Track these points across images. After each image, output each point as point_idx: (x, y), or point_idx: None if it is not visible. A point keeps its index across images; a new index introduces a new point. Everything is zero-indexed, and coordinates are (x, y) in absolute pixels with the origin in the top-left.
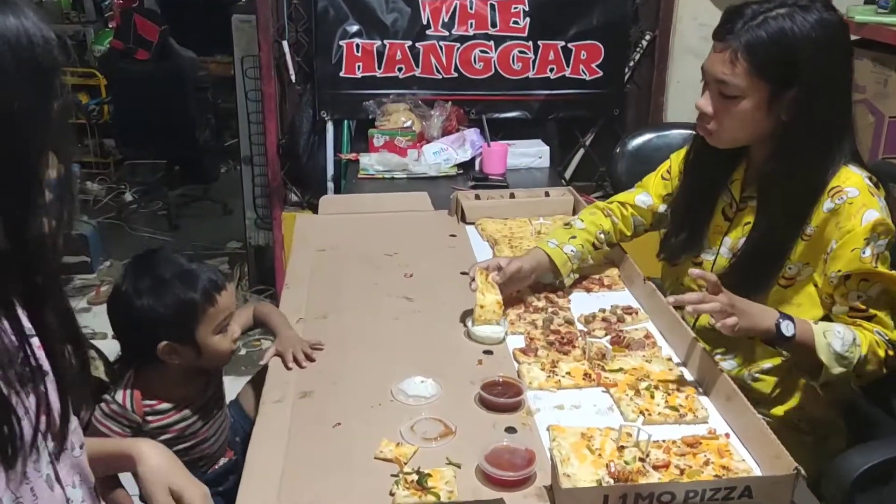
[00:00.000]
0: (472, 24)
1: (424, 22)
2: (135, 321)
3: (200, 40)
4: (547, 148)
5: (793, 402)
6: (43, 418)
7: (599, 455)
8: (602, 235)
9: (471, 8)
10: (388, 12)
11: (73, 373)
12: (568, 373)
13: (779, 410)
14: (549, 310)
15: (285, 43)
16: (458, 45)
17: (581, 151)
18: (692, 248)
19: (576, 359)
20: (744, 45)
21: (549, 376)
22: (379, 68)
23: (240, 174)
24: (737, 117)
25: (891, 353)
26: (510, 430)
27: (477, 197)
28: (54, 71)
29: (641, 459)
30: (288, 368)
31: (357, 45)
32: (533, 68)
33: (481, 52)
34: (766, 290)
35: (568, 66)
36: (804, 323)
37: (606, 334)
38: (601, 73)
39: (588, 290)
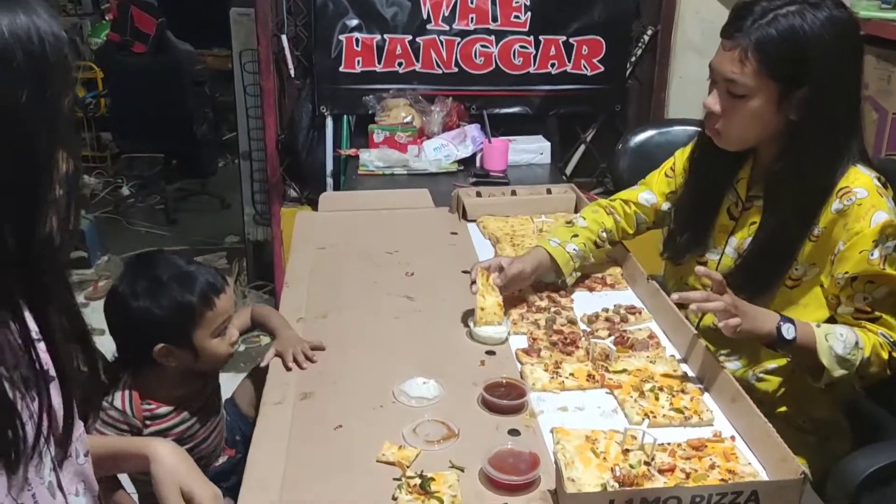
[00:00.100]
0: (472, 18)
1: (425, 16)
2: (131, 323)
3: (198, 33)
4: (548, 144)
5: (797, 403)
6: (46, 423)
7: (604, 458)
8: (604, 234)
9: (471, 2)
10: (387, 6)
11: (81, 377)
12: (571, 374)
13: (783, 411)
14: (552, 309)
15: (284, 37)
16: (459, 39)
17: (582, 147)
18: (697, 247)
19: (579, 359)
20: (754, 43)
21: (552, 377)
22: (379, 63)
23: (238, 169)
24: (745, 116)
25: (895, 354)
26: (514, 432)
27: (478, 194)
28: (64, 68)
29: (647, 463)
30: (288, 369)
31: (357, 40)
32: (534, 63)
33: (482, 46)
34: (772, 290)
35: (569, 62)
36: (806, 325)
37: (610, 334)
38: (602, 69)
39: (591, 290)
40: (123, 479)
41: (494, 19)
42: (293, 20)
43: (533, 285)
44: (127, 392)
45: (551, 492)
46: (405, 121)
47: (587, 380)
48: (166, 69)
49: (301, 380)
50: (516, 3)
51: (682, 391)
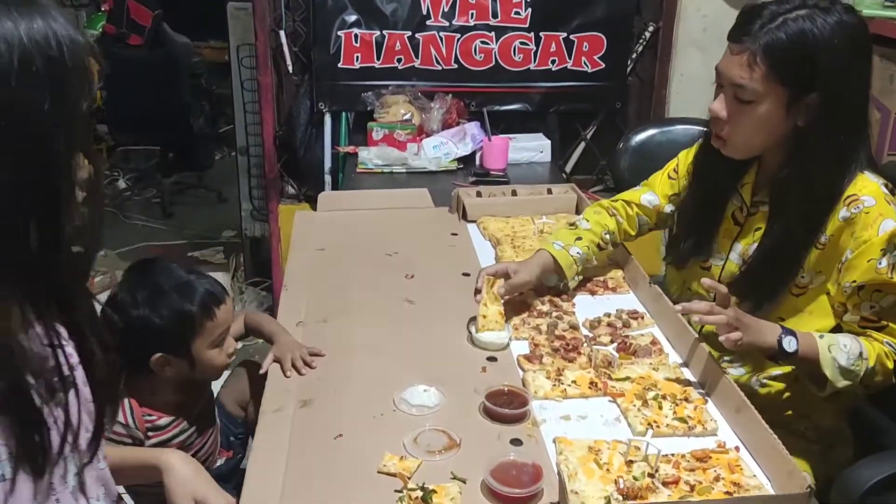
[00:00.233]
0: (472, 14)
1: (424, 12)
2: (130, 331)
3: (194, 25)
4: (548, 142)
5: (800, 410)
6: (73, 429)
7: (608, 470)
8: (607, 236)
9: None
10: (387, 2)
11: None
12: (574, 381)
13: (786, 418)
14: (554, 314)
15: (282, 33)
16: (459, 35)
17: (582, 145)
18: (701, 252)
19: (581, 366)
20: (763, 47)
21: (554, 385)
22: (378, 59)
23: (235, 165)
24: (752, 122)
25: None
26: (516, 441)
27: (478, 194)
28: (83, 72)
29: (650, 475)
30: (286, 376)
31: (356, 36)
32: (534, 60)
33: (482, 43)
34: (777, 298)
35: (570, 58)
36: (808, 337)
37: (612, 340)
38: (603, 66)
39: (592, 293)
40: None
41: (494, 15)
42: (291, 15)
43: (534, 289)
44: (126, 402)
45: None
46: (404, 118)
47: (590, 388)
48: (163, 62)
49: (301, 387)
50: None
51: (686, 399)
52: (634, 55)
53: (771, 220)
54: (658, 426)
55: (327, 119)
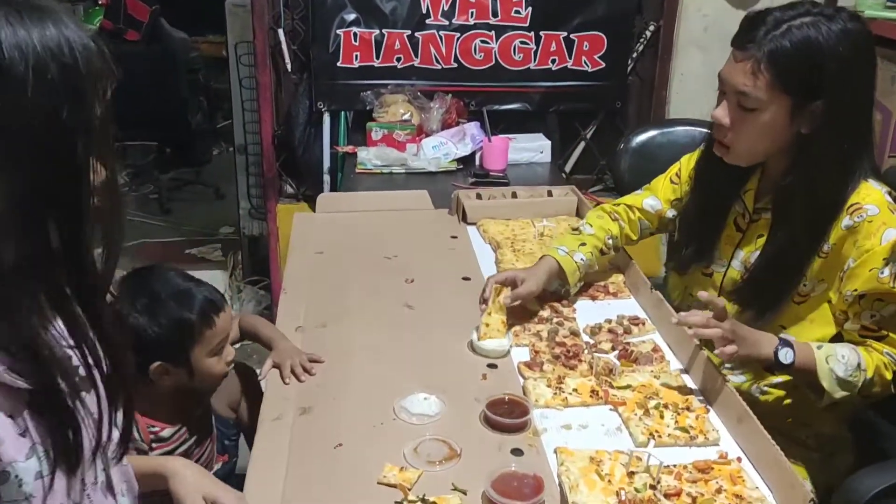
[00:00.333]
0: (472, 13)
1: (424, 11)
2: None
3: (192, 20)
4: (548, 142)
5: (801, 418)
6: (106, 427)
7: (609, 481)
8: (610, 241)
9: None
10: (386, 1)
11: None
12: (575, 389)
13: (787, 426)
14: (554, 320)
15: (281, 31)
16: (459, 34)
17: (582, 144)
18: (702, 259)
19: (582, 374)
20: (767, 55)
21: (555, 393)
22: (377, 58)
23: (233, 163)
24: (755, 129)
25: None
26: (517, 451)
27: (478, 196)
28: (96, 78)
29: (652, 486)
30: (285, 383)
31: (355, 34)
32: (534, 59)
33: (482, 42)
34: (780, 306)
35: (570, 58)
36: (806, 348)
37: (613, 347)
38: (603, 65)
39: (593, 298)
40: None
41: (495, 14)
42: (290, 13)
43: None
44: None
45: None
46: (403, 118)
47: (591, 396)
48: (160, 57)
49: (300, 394)
50: None
51: (688, 408)
52: (635, 55)
53: (774, 227)
54: (660, 436)
55: (326, 118)
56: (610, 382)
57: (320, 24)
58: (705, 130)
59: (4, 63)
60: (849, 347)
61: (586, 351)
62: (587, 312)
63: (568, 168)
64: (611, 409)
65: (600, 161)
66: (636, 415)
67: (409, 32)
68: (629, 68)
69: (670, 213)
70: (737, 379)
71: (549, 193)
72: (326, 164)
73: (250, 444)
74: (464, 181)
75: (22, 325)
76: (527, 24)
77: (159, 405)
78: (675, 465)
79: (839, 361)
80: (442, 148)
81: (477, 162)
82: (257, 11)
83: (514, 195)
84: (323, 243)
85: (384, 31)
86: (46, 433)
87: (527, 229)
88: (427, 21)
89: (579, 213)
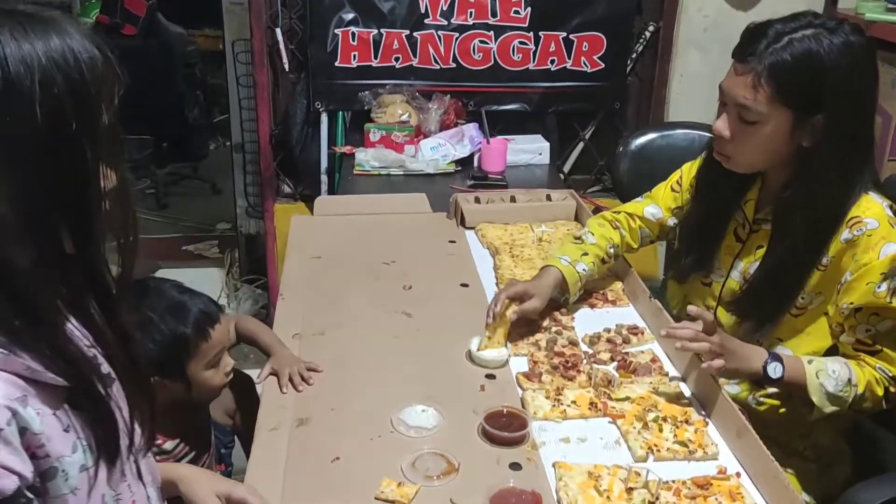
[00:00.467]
0: (471, 13)
1: (423, 10)
2: None
3: (188, 14)
4: (547, 144)
5: (799, 430)
6: (139, 420)
7: (608, 497)
8: (612, 249)
9: None
10: (385, 0)
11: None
12: (573, 401)
13: (785, 437)
14: (553, 329)
15: (279, 30)
16: (457, 34)
17: (581, 145)
18: (702, 268)
19: (581, 385)
20: (767, 68)
21: (553, 405)
22: (375, 58)
23: (231, 160)
24: (756, 142)
25: (892, 389)
26: (515, 466)
27: (477, 200)
28: (103, 86)
29: (651, 503)
30: (283, 392)
31: (353, 34)
32: (533, 60)
33: (481, 42)
34: (778, 319)
35: (569, 58)
36: (796, 362)
37: (612, 357)
38: (602, 66)
39: (592, 306)
40: None
41: (494, 14)
42: (288, 12)
43: None
44: None
45: None
46: (402, 118)
47: (589, 408)
48: (157, 52)
49: (297, 404)
50: None
51: (686, 422)
52: (634, 55)
53: (773, 240)
54: (658, 450)
55: (324, 118)
56: (609, 394)
57: (318, 23)
58: (705, 134)
59: (10, 78)
60: (840, 362)
61: (585, 361)
62: (586, 321)
63: (566, 168)
64: (609, 422)
65: (599, 162)
66: (635, 428)
67: (407, 32)
68: (628, 69)
69: (671, 222)
70: (733, 389)
71: (548, 197)
72: (324, 164)
73: (247, 451)
74: (462, 183)
75: (48, 326)
76: (526, 25)
77: (158, 418)
78: (673, 481)
79: (829, 376)
80: (440, 149)
81: (475, 164)
82: (255, 10)
83: (512, 199)
84: (320, 248)
85: (382, 30)
86: (87, 427)
87: (525, 234)
88: (426, 21)
89: (578, 218)
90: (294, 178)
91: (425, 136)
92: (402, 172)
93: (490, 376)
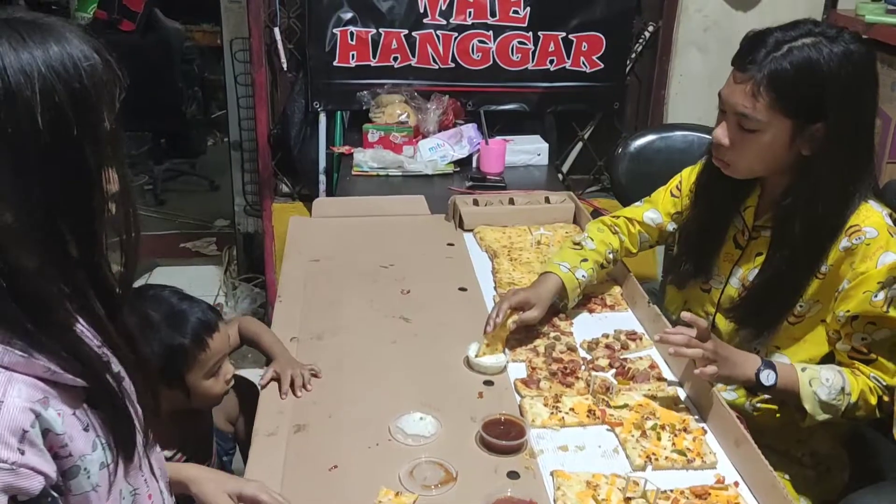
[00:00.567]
0: (470, 13)
1: (421, 10)
2: None
3: (186, 9)
4: (545, 145)
5: (797, 436)
6: (148, 415)
7: None
8: (611, 255)
9: None
10: None
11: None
12: (572, 409)
13: (783, 444)
14: (552, 335)
15: (277, 30)
16: (456, 34)
17: (579, 145)
18: (701, 274)
19: (579, 392)
20: (767, 77)
21: (552, 413)
22: (374, 57)
23: (228, 158)
24: (755, 150)
25: (885, 398)
26: (513, 474)
27: (475, 202)
28: (104, 91)
29: None
30: (282, 397)
31: (351, 33)
32: (532, 60)
33: (480, 42)
34: (776, 326)
35: (568, 58)
36: (789, 369)
37: (610, 364)
38: (602, 66)
39: (590, 311)
40: None
41: (493, 14)
42: (286, 12)
43: None
44: None
45: None
46: (400, 118)
47: (587, 415)
48: (155, 47)
49: (295, 410)
50: None
51: (685, 430)
52: (633, 55)
53: (773, 247)
54: (657, 459)
55: (322, 118)
56: (607, 401)
57: (316, 22)
58: (704, 136)
59: (11, 88)
60: (834, 370)
61: (583, 367)
62: (584, 326)
63: (565, 168)
64: (608, 430)
65: (598, 162)
66: (633, 436)
67: (406, 32)
68: (628, 69)
69: (670, 227)
70: (729, 395)
71: (547, 200)
72: (322, 164)
73: (245, 458)
74: (460, 184)
75: (61, 329)
76: (525, 25)
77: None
78: (671, 491)
79: (823, 385)
80: (439, 150)
81: (474, 164)
82: (253, 9)
83: (511, 201)
84: (318, 250)
85: (381, 30)
86: (105, 425)
87: (524, 237)
88: (424, 20)
89: (576, 221)
90: (292, 177)
91: (424, 137)
92: (400, 173)
93: (488, 383)
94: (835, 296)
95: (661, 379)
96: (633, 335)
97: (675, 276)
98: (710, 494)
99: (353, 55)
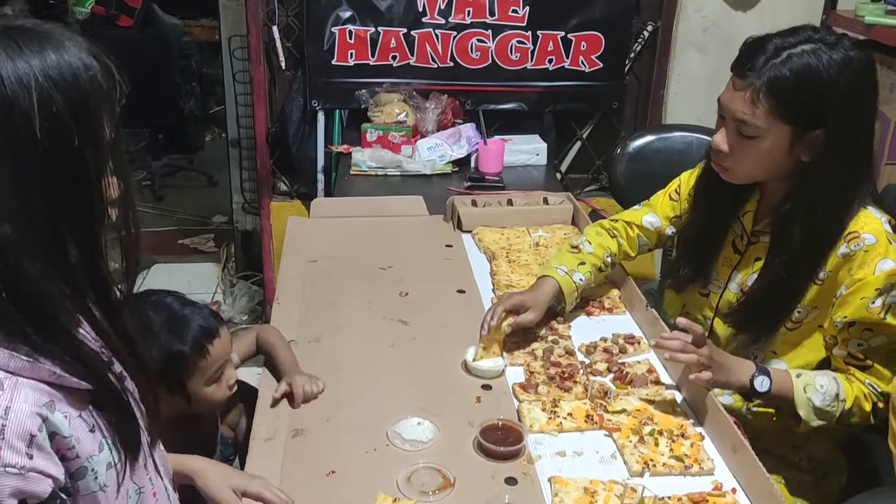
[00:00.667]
0: (469, 12)
1: (420, 9)
2: None
3: (184, 4)
4: (544, 145)
5: (794, 441)
6: (151, 415)
7: None
8: (609, 258)
9: None
10: None
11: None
12: (570, 413)
13: (780, 449)
14: (549, 338)
15: (275, 28)
16: (455, 33)
17: (578, 144)
18: (700, 279)
19: (577, 397)
20: (766, 83)
21: (550, 418)
22: (372, 56)
23: (227, 155)
24: (754, 156)
25: (880, 405)
26: (510, 480)
27: (474, 203)
28: (103, 97)
29: None
30: (294, 407)
31: (350, 32)
32: (531, 59)
33: (478, 41)
34: (773, 332)
35: (567, 58)
36: (784, 376)
37: (608, 368)
38: (601, 65)
39: (589, 314)
40: None
41: (492, 13)
42: (284, 10)
43: None
44: None
45: None
46: (399, 117)
47: (585, 421)
48: (153, 43)
49: (293, 414)
50: None
51: (682, 435)
52: (633, 55)
53: (771, 253)
54: (654, 465)
55: (320, 117)
56: (605, 406)
57: (315, 21)
58: (702, 137)
59: (7, 98)
60: (829, 377)
61: (581, 371)
62: (582, 329)
63: (563, 168)
64: (605, 435)
65: (596, 161)
66: (631, 442)
67: (404, 31)
68: (627, 69)
69: (669, 231)
70: (726, 399)
71: (545, 201)
72: (320, 162)
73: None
74: (459, 184)
75: (63, 333)
76: (524, 24)
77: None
78: (669, 497)
79: (817, 391)
80: (437, 150)
81: (472, 164)
82: (251, 7)
83: (509, 202)
84: (316, 251)
85: (380, 28)
86: (110, 425)
87: (522, 238)
88: (423, 19)
89: (575, 222)
90: (290, 176)
91: (422, 136)
92: (398, 173)
93: (486, 387)
94: (832, 302)
95: (658, 383)
96: (631, 339)
97: (674, 281)
98: (707, 501)
99: (351, 54)
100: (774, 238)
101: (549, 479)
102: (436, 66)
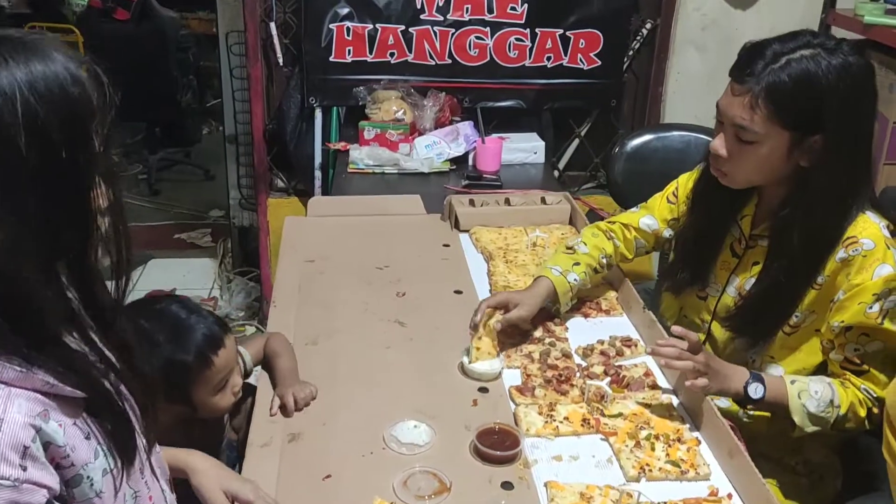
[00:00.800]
0: (467, 9)
1: (418, 6)
2: None
3: None
4: (542, 143)
5: (791, 445)
6: (147, 419)
7: None
8: (604, 260)
9: None
10: None
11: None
12: (566, 417)
13: (776, 453)
14: (546, 340)
15: (272, 25)
16: (453, 30)
17: (576, 142)
18: (697, 282)
19: (574, 400)
20: (765, 89)
21: (546, 421)
22: (370, 53)
23: (224, 151)
24: (753, 161)
25: (875, 410)
26: (507, 485)
27: (471, 203)
28: (90, 108)
29: None
30: (286, 415)
31: (348, 29)
32: (529, 56)
33: (477, 38)
34: (771, 336)
35: (565, 55)
36: (778, 382)
37: (605, 371)
38: (599, 63)
39: (586, 316)
40: None
41: (490, 11)
42: (282, 6)
43: None
44: None
45: None
46: (397, 115)
47: (582, 424)
48: (150, 36)
49: (289, 419)
50: None
51: (679, 440)
52: (631, 52)
53: (770, 258)
54: (650, 469)
55: (318, 114)
56: (601, 410)
57: (313, 17)
58: (701, 136)
59: None
60: (824, 382)
61: (578, 375)
62: (579, 332)
63: (561, 165)
64: (602, 439)
65: (594, 159)
66: (627, 446)
67: (402, 28)
68: (625, 66)
69: (667, 233)
70: (723, 403)
71: (543, 200)
72: (318, 159)
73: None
74: (457, 183)
75: (55, 344)
76: (522, 21)
77: (165, 435)
78: (665, 502)
79: (812, 397)
80: (435, 148)
81: (470, 162)
82: (248, 4)
83: (507, 202)
84: (314, 251)
85: (378, 25)
86: (105, 432)
87: (519, 238)
88: (421, 16)
89: (573, 222)
90: (288, 172)
91: (420, 134)
92: (396, 171)
93: (483, 389)
94: (830, 306)
95: (655, 387)
96: (628, 341)
97: (672, 284)
98: None
99: (349, 50)
100: (773, 242)
101: (546, 484)
102: (434, 63)
